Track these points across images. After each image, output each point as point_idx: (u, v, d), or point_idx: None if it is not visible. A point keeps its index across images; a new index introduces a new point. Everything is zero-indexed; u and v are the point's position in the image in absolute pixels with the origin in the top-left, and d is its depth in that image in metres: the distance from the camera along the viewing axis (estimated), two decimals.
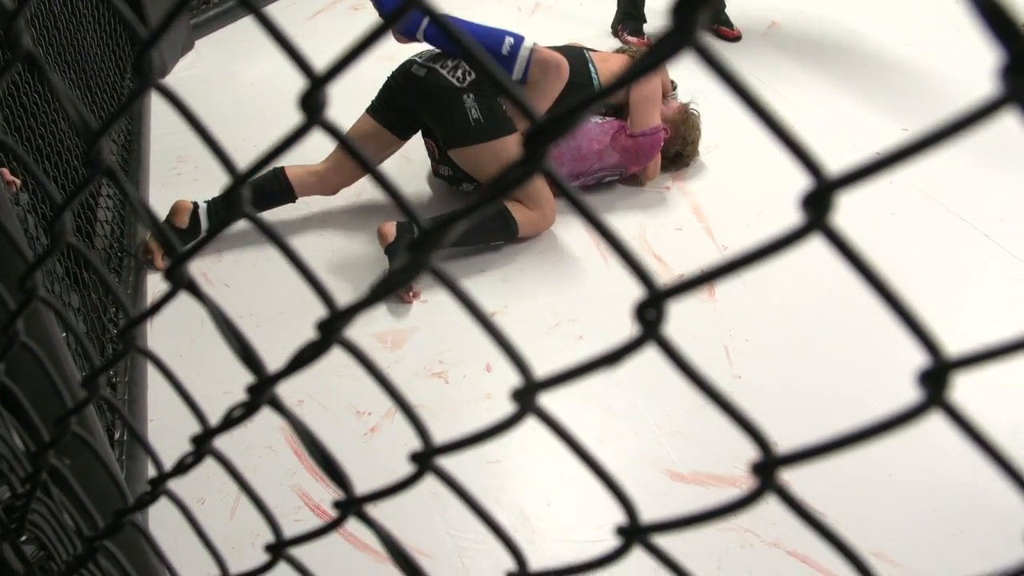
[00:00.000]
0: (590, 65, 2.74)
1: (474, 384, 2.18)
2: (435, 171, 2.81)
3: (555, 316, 2.36)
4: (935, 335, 0.28)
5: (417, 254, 0.33)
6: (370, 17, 4.15)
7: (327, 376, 2.16)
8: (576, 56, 2.73)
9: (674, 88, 3.02)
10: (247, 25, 3.93)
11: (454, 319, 2.33)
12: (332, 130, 0.36)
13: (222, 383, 1.93)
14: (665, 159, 2.92)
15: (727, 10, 3.91)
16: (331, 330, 0.38)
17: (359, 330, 2.35)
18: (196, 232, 2.57)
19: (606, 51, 2.92)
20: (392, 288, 0.35)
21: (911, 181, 2.83)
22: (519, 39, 2.47)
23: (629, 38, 3.91)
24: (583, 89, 2.68)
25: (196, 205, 2.58)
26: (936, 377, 0.27)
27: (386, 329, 2.36)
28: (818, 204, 0.27)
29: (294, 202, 2.70)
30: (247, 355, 0.43)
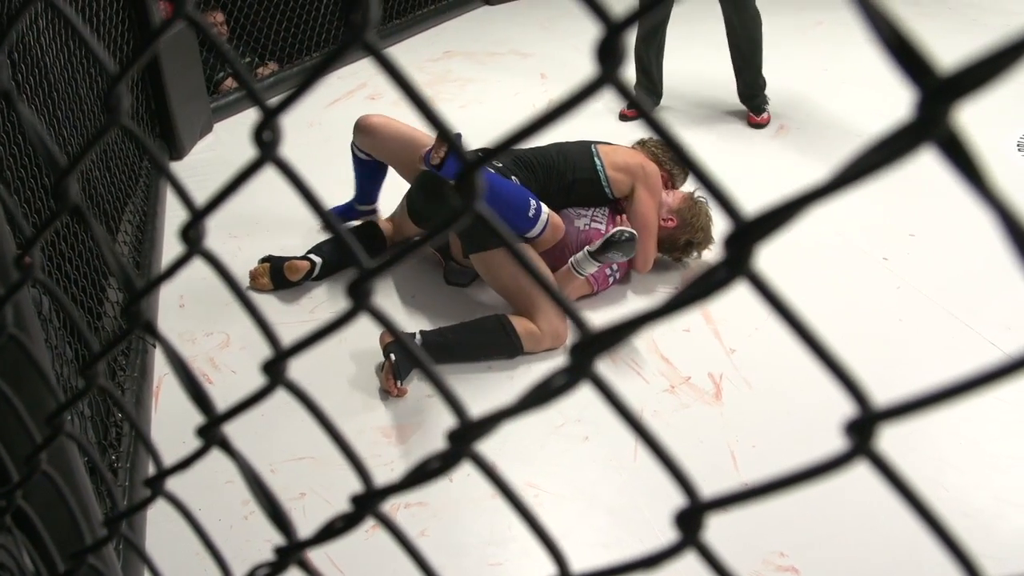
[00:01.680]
0: (596, 159, 2.85)
1: (478, 482, 2.16)
2: (446, 265, 2.94)
3: (561, 416, 2.35)
4: (863, 386, 0.28)
5: (458, 446, 0.33)
6: (387, 106, 4.24)
7: (331, 469, 2.15)
8: (582, 150, 2.87)
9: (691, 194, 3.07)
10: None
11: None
12: (283, 168, 0.37)
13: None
14: (676, 249, 2.95)
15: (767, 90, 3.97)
16: (366, 506, 0.38)
17: (363, 422, 2.34)
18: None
19: (614, 144, 2.98)
20: (425, 479, 0.35)
21: (919, 287, 2.85)
22: (539, 204, 2.65)
23: (628, 111, 4.03)
24: (592, 182, 2.83)
25: (313, 263, 2.89)
26: (863, 427, 0.28)
27: (390, 423, 2.35)
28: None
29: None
30: (276, 516, 0.42)
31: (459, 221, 0.30)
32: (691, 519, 0.32)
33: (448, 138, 0.33)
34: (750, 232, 0.25)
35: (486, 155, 0.30)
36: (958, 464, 2.18)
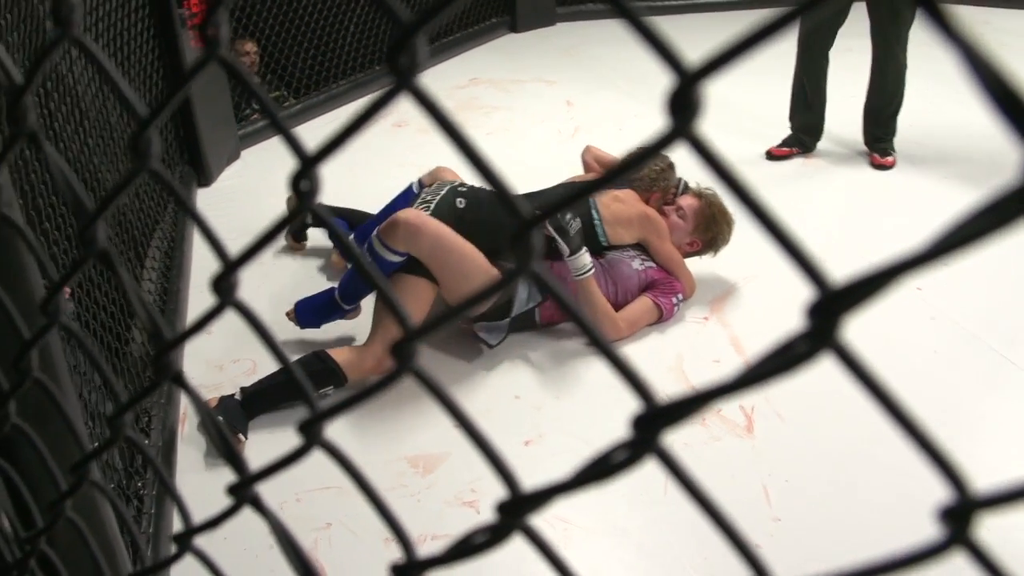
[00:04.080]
0: (593, 211, 2.85)
1: None
2: None
3: (589, 447, 2.32)
4: (961, 470, 0.25)
5: (509, 519, 0.31)
6: (413, 133, 4.25)
7: (358, 499, 2.12)
8: (583, 209, 2.84)
9: (684, 190, 3.04)
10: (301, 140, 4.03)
11: None
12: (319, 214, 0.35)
13: None
14: (703, 253, 3.01)
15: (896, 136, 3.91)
16: None
17: (391, 452, 2.32)
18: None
19: (610, 193, 2.96)
20: (470, 552, 0.33)
21: (954, 318, 2.79)
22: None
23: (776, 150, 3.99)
24: (588, 236, 2.82)
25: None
26: (959, 515, 0.25)
27: (418, 453, 2.33)
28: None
29: None
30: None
31: (515, 279, 0.28)
32: None
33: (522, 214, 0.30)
34: (837, 302, 0.23)
35: (546, 213, 0.28)
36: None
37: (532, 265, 0.27)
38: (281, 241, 3.29)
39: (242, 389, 2.40)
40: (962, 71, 0.22)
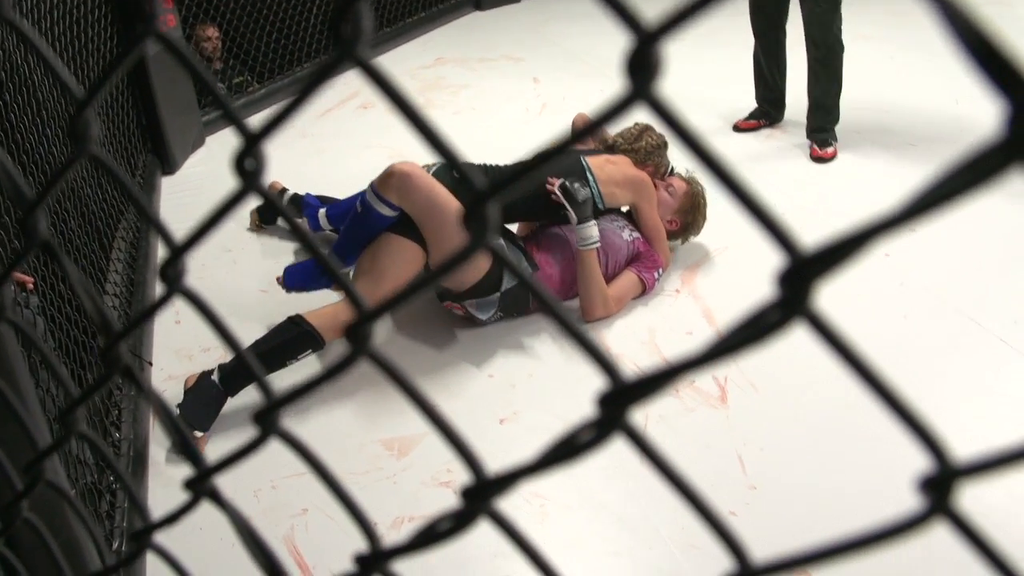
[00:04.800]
0: (588, 173, 2.82)
1: None
2: None
3: (565, 424, 2.30)
4: (941, 438, 0.24)
5: (474, 504, 0.30)
6: (380, 115, 4.21)
7: None
8: (572, 163, 2.83)
9: (671, 172, 3.05)
10: (257, 121, 3.98)
11: (463, 426, 2.28)
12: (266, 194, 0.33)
13: None
14: (675, 239, 3.04)
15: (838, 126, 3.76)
16: (371, 569, 0.35)
17: (365, 436, 2.31)
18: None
19: (599, 155, 2.95)
20: (435, 540, 0.32)
21: (924, 283, 2.81)
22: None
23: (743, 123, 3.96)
24: None
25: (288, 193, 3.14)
26: (940, 484, 0.24)
27: (393, 435, 2.31)
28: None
29: None
30: (274, 571, 0.39)
31: (470, 255, 0.27)
32: None
33: (452, 159, 0.29)
34: (808, 269, 0.22)
35: (497, 186, 0.27)
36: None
37: (487, 239, 0.26)
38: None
39: (220, 367, 2.36)
40: (937, 24, 0.21)
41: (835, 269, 0.22)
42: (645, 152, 2.97)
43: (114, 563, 0.46)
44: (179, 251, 0.35)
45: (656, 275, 2.87)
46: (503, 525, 0.32)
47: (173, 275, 0.35)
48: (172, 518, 0.41)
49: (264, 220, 3.24)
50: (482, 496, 0.30)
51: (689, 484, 0.30)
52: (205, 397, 2.31)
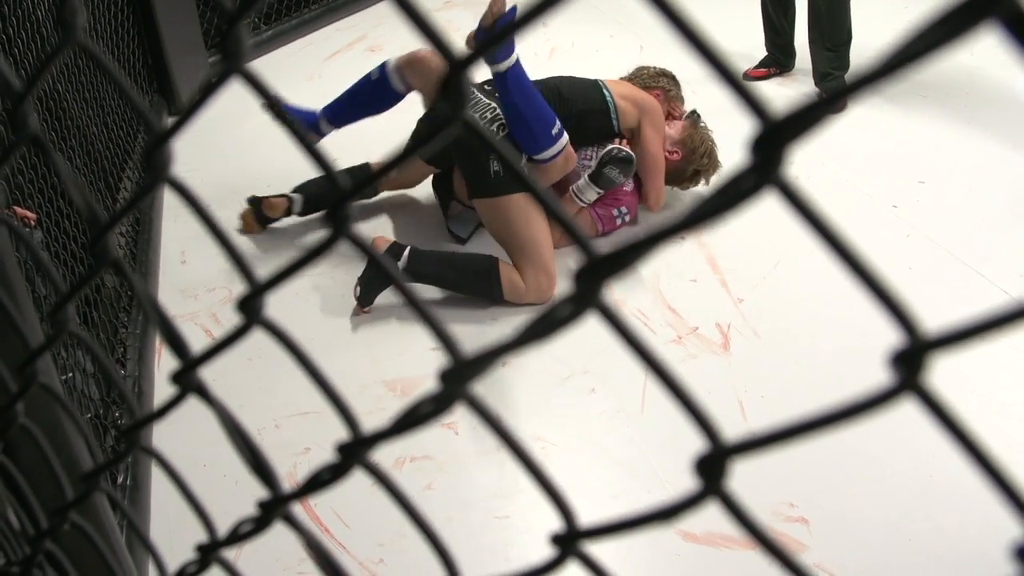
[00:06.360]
0: (604, 90, 2.81)
1: (485, 435, 2.14)
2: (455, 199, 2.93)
3: (567, 368, 2.33)
4: (911, 311, 0.25)
5: (451, 386, 0.30)
6: (387, 56, 4.16)
7: (336, 424, 2.12)
8: (589, 82, 2.83)
9: (690, 114, 3.01)
10: (264, 64, 3.96)
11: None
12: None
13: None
14: (684, 180, 2.96)
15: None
16: (353, 455, 0.35)
17: (368, 377, 2.32)
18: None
19: (615, 79, 2.99)
20: (416, 423, 0.32)
21: (929, 235, 2.80)
22: (561, 127, 2.57)
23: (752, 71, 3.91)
24: (601, 113, 2.79)
25: (291, 199, 2.85)
26: (910, 358, 0.24)
27: (396, 376, 2.33)
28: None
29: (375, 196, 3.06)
30: (259, 467, 0.39)
31: (446, 131, 0.27)
32: (714, 465, 0.29)
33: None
34: (781, 132, 0.22)
35: (481, 48, 0.26)
36: (970, 413, 2.15)
37: (463, 113, 0.26)
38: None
39: (410, 252, 2.53)
40: None
41: (809, 132, 0.22)
42: (648, 76, 3.02)
43: (103, 463, 0.47)
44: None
45: (617, 213, 2.84)
46: (481, 411, 0.32)
47: (161, 162, 0.35)
48: (160, 413, 0.41)
49: (262, 223, 2.98)
50: (460, 379, 0.30)
51: (661, 361, 0.30)
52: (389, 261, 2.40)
